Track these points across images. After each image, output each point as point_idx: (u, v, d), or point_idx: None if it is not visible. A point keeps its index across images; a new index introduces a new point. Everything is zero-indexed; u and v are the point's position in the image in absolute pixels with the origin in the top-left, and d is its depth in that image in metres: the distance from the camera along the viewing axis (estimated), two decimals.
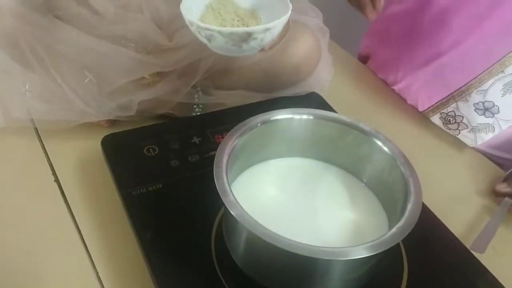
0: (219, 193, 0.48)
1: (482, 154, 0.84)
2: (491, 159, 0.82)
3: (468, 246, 0.62)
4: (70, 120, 0.72)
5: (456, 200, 0.74)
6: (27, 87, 0.71)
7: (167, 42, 0.74)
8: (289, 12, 0.62)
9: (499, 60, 0.75)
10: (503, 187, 0.72)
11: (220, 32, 0.61)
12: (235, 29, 0.62)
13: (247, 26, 0.66)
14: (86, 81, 0.71)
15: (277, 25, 0.62)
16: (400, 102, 0.90)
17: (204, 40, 0.63)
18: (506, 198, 0.71)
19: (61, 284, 0.57)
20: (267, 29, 0.61)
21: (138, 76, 0.73)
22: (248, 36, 0.61)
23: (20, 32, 0.70)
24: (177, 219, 0.60)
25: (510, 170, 0.76)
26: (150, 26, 0.73)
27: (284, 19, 0.62)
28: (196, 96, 0.78)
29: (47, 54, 0.70)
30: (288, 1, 0.65)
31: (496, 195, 0.73)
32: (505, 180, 0.74)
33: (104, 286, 0.56)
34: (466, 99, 0.79)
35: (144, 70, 0.73)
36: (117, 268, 0.58)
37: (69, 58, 0.71)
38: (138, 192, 0.62)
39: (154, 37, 0.73)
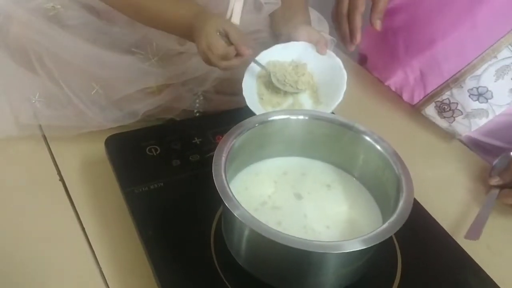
0: (218, 190, 0.50)
1: (474, 142, 0.86)
2: (482, 146, 0.85)
3: (456, 239, 0.64)
4: (76, 126, 0.73)
5: (447, 195, 0.76)
6: (36, 97, 0.73)
7: (177, 46, 0.75)
8: (345, 79, 0.70)
9: (491, 45, 0.77)
10: (496, 181, 0.74)
11: None
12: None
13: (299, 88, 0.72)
14: (93, 92, 0.72)
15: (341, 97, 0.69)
16: (395, 102, 0.93)
17: None
18: (493, 189, 0.73)
19: (66, 279, 0.58)
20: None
21: (144, 86, 0.74)
22: None
23: (28, 41, 0.71)
24: (177, 217, 0.62)
25: (495, 162, 0.78)
26: (159, 33, 0.74)
27: (342, 92, 0.69)
28: (197, 101, 0.80)
29: (55, 64, 0.71)
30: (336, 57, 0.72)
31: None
32: (492, 171, 0.76)
33: (107, 281, 0.58)
34: (460, 85, 0.81)
35: (151, 80, 0.74)
36: (120, 265, 0.60)
37: (77, 68, 0.72)
38: (140, 190, 0.64)
39: (164, 43, 0.74)
